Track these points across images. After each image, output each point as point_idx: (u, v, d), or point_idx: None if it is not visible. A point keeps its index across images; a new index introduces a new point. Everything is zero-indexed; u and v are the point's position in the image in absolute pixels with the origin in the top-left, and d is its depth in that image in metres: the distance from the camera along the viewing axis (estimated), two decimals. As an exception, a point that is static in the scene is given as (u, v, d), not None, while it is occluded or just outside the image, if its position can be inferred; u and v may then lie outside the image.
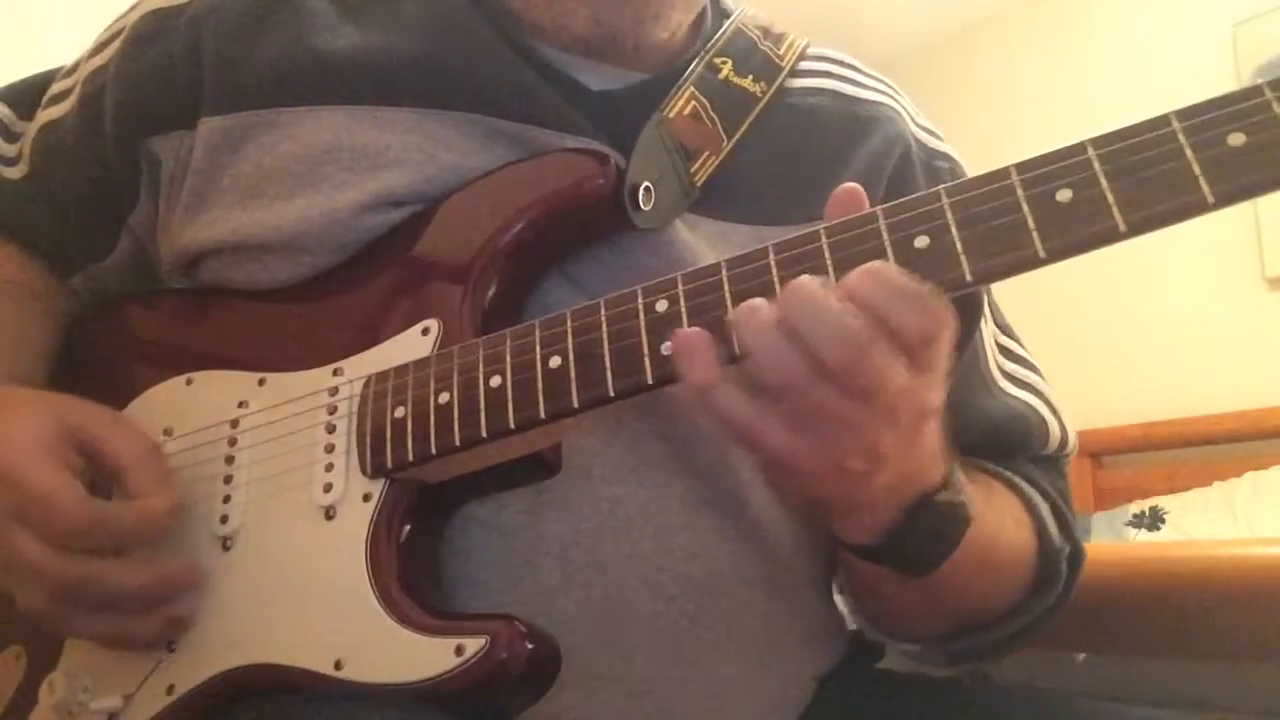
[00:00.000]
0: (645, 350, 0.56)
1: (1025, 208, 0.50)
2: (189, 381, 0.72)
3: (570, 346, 0.58)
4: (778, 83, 0.78)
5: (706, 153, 0.72)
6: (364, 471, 0.63)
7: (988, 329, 0.81)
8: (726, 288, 0.55)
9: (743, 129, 0.74)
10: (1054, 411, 0.82)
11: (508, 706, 0.59)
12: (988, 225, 0.50)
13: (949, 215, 0.51)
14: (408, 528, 0.62)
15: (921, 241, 0.51)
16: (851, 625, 0.82)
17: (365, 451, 0.63)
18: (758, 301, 0.52)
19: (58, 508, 0.61)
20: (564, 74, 0.73)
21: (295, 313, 0.71)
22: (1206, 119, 0.47)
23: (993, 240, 0.50)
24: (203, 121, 0.73)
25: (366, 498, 0.62)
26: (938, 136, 0.85)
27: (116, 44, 0.79)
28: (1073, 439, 0.83)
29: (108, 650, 0.66)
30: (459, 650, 0.56)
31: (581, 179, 0.66)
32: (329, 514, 0.63)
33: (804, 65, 0.81)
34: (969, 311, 0.78)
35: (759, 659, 0.69)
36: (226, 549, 0.66)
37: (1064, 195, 0.49)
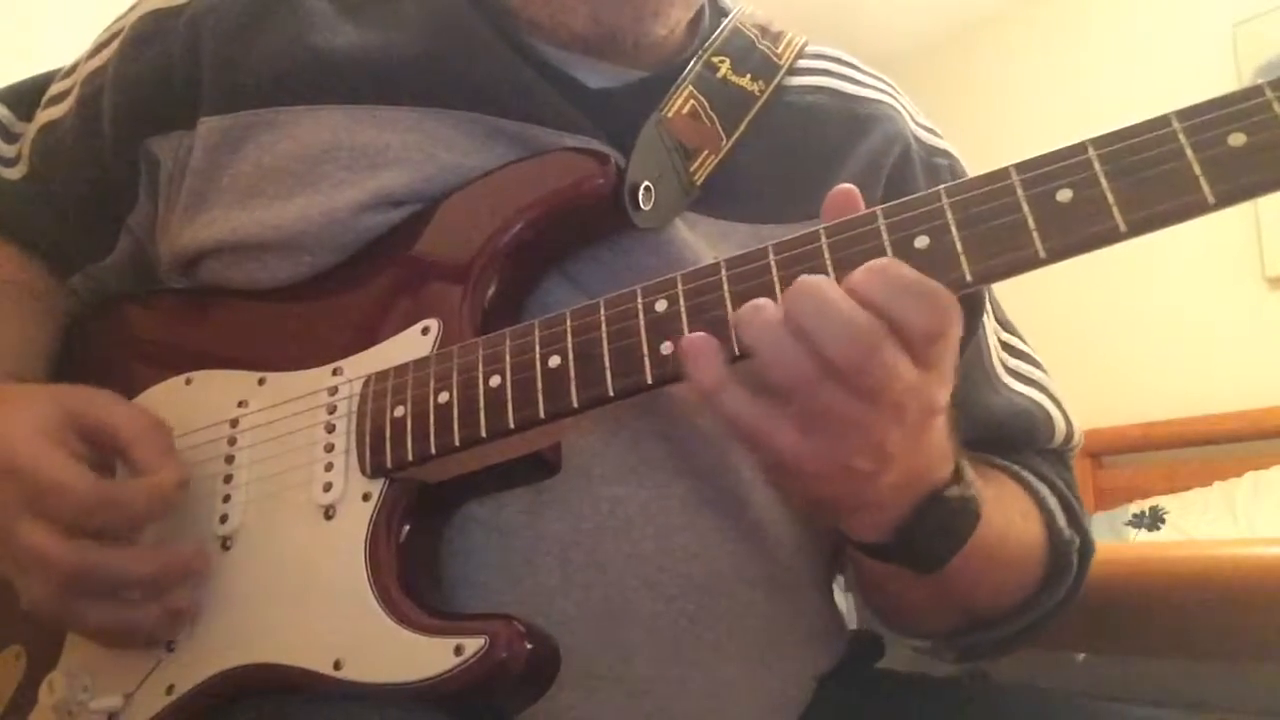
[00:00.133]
0: (645, 350, 0.56)
1: (1025, 208, 0.49)
2: (188, 381, 0.72)
3: (570, 346, 0.58)
4: (776, 81, 0.78)
5: (705, 151, 0.72)
6: (363, 471, 0.63)
7: (989, 325, 0.81)
8: (726, 287, 0.55)
9: (741, 127, 0.74)
10: (1058, 405, 0.82)
11: (507, 706, 0.59)
12: (988, 225, 0.50)
13: (949, 215, 0.51)
14: (407, 527, 0.62)
15: (921, 241, 0.51)
16: (852, 625, 0.82)
17: (365, 451, 0.63)
18: (762, 301, 0.51)
19: (68, 490, 0.61)
20: (562, 72, 0.73)
21: (295, 312, 0.71)
22: (1207, 119, 0.47)
23: (993, 240, 0.50)
24: (202, 121, 0.73)
25: (366, 497, 0.62)
26: (937, 134, 0.85)
27: (115, 45, 0.79)
28: (1078, 432, 0.83)
29: (108, 650, 0.65)
30: (458, 650, 0.56)
31: (581, 178, 0.66)
32: (328, 514, 0.63)
33: (802, 64, 0.81)
34: (971, 309, 0.78)
35: (759, 659, 0.69)
36: (226, 549, 0.66)
37: (1064, 195, 0.49)
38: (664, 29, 0.74)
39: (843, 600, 0.82)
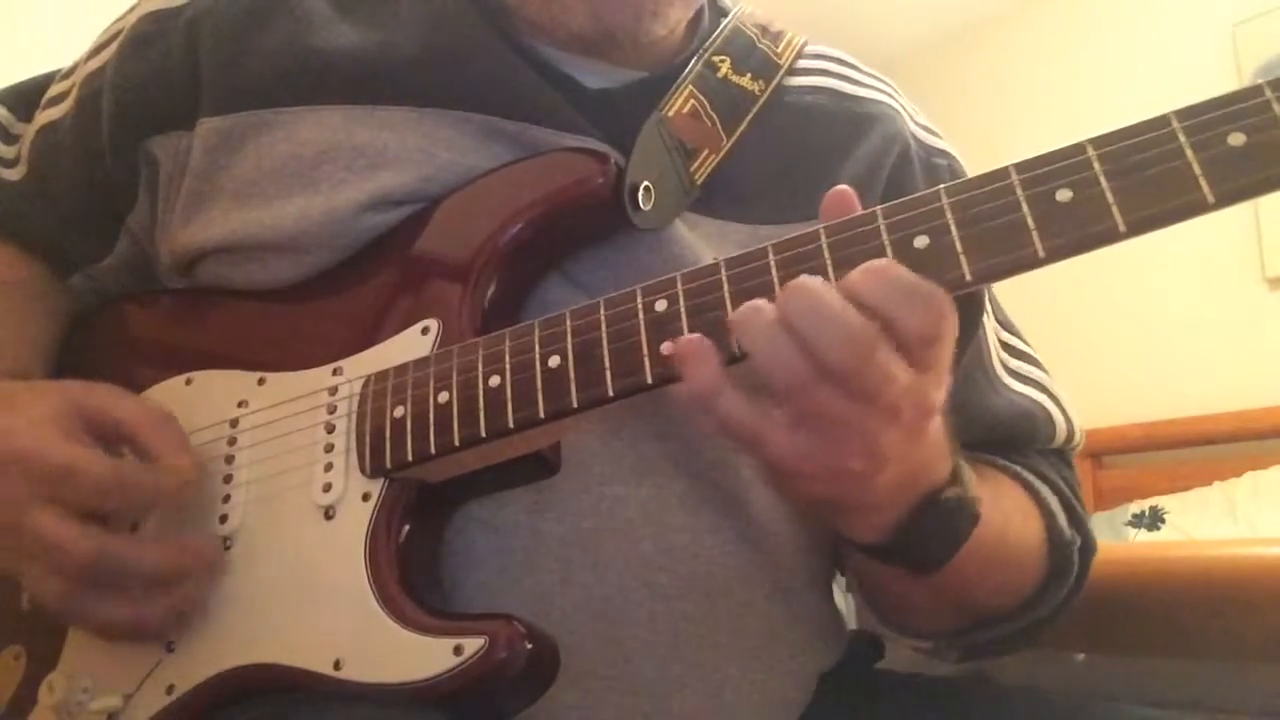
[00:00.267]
0: (644, 350, 0.56)
1: (1025, 207, 0.49)
2: (188, 381, 0.72)
3: (569, 346, 0.58)
4: (776, 81, 0.78)
5: (706, 151, 0.72)
6: (363, 471, 0.63)
7: (989, 325, 0.81)
8: (726, 287, 0.55)
9: (742, 127, 0.74)
10: (1059, 405, 0.82)
11: (506, 706, 0.59)
12: (987, 225, 0.50)
13: (949, 215, 0.51)
14: (407, 527, 0.62)
15: (921, 241, 0.51)
16: (852, 625, 0.82)
17: (364, 451, 0.63)
18: (760, 302, 0.51)
19: (82, 471, 0.61)
20: (562, 72, 0.73)
21: (295, 312, 0.71)
22: (1206, 119, 0.47)
23: (992, 240, 0.50)
24: (201, 122, 0.73)
25: (366, 497, 0.62)
26: (936, 135, 0.85)
27: (114, 46, 0.79)
28: (1079, 431, 0.83)
29: (107, 650, 0.65)
30: (458, 650, 0.56)
31: (581, 178, 0.66)
32: (328, 514, 0.63)
33: (802, 64, 0.82)
34: (970, 309, 0.78)
35: (758, 659, 0.69)
36: (226, 549, 0.65)
37: (1064, 195, 0.49)
38: (663, 28, 0.74)
39: (843, 600, 0.82)
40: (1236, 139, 0.46)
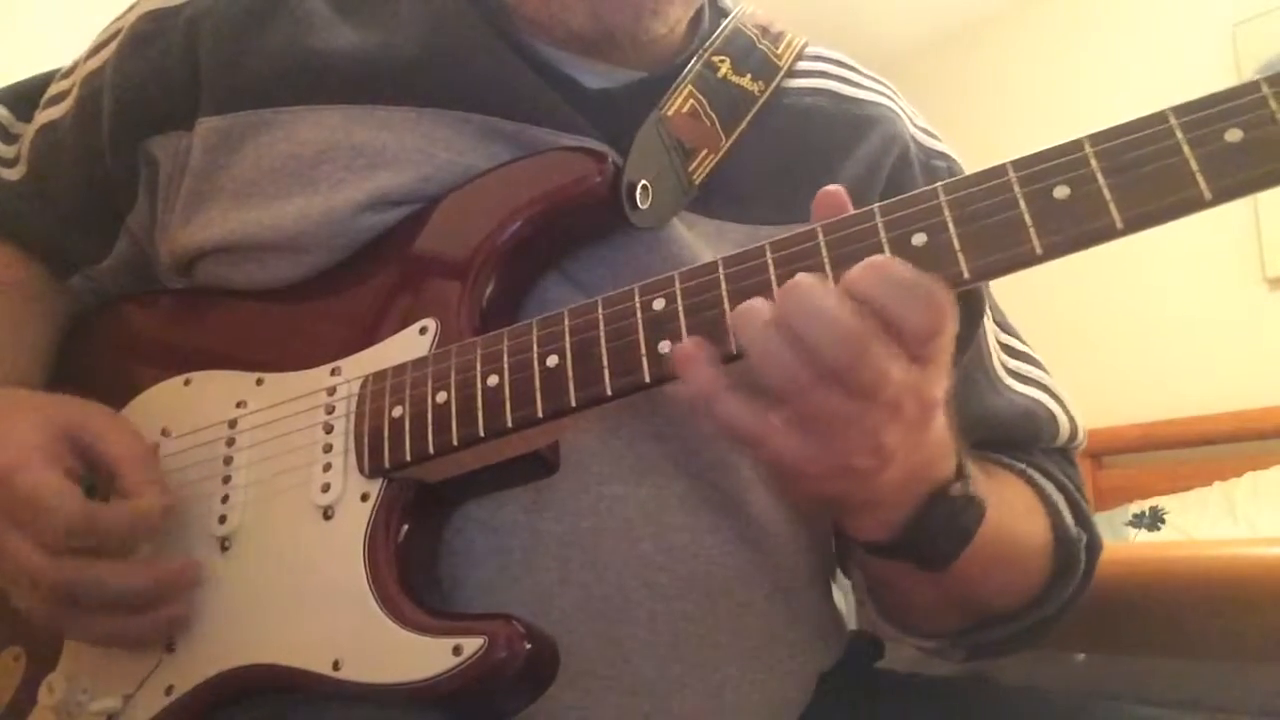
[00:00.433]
0: (643, 349, 0.56)
1: (1023, 205, 0.49)
2: (187, 382, 0.72)
3: (567, 345, 0.58)
4: (775, 82, 0.78)
5: (705, 151, 0.72)
6: (362, 471, 0.63)
7: (989, 327, 0.81)
8: (724, 286, 0.55)
9: (741, 127, 0.74)
10: (1060, 404, 0.82)
11: (505, 706, 0.59)
12: (985, 222, 0.50)
13: (946, 213, 0.51)
14: (406, 527, 0.62)
15: (919, 239, 0.51)
16: (852, 625, 0.82)
17: (363, 451, 0.63)
18: (757, 302, 0.51)
19: (52, 510, 0.61)
20: (561, 72, 0.73)
21: (293, 312, 0.71)
22: (1203, 115, 0.47)
23: (990, 237, 0.50)
24: (200, 122, 0.73)
25: (364, 497, 0.62)
26: (936, 137, 0.85)
27: (114, 45, 0.79)
28: (1081, 430, 0.83)
29: (107, 651, 0.66)
30: (457, 650, 0.56)
31: (579, 177, 0.66)
32: (327, 514, 0.63)
33: (802, 65, 0.81)
34: (971, 310, 0.78)
35: (758, 659, 0.69)
36: (225, 549, 0.66)
37: (1061, 192, 0.49)
38: (663, 27, 0.74)
39: (842, 600, 0.82)
40: (1234, 135, 0.46)
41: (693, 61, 0.75)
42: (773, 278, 0.54)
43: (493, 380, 0.59)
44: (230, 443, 0.68)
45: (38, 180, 0.81)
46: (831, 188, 0.56)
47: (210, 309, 0.75)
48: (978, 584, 0.68)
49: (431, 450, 0.60)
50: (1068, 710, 0.73)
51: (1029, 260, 0.49)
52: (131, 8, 0.81)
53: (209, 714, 0.62)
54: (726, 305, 0.54)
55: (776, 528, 0.71)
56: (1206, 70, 2.87)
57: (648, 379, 0.55)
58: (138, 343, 0.79)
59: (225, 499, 0.67)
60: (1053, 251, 0.49)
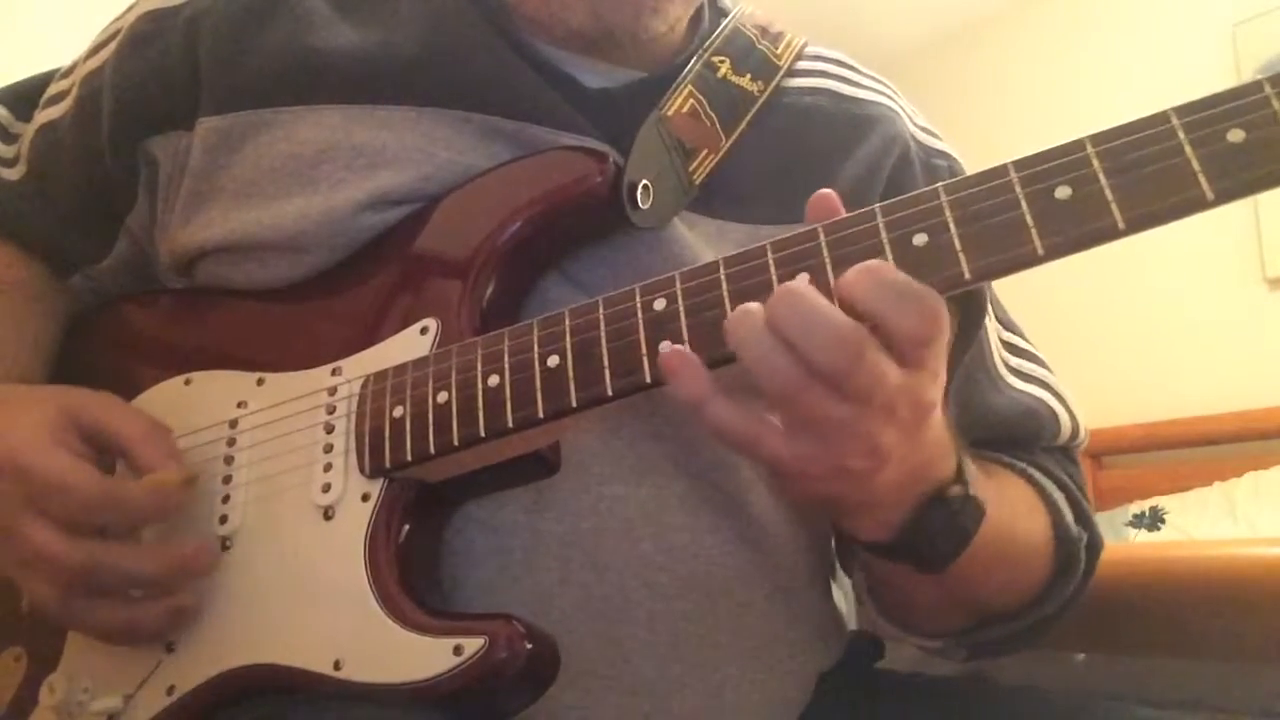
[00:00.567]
0: (643, 349, 0.56)
1: (1024, 205, 0.49)
2: (188, 382, 0.72)
3: (568, 345, 0.58)
4: (775, 82, 0.78)
5: (705, 151, 0.72)
6: (363, 471, 0.63)
7: (991, 325, 0.81)
8: (724, 286, 0.55)
9: (741, 127, 0.74)
10: (1062, 402, 0.82)
11: (506, 706, 0.59)
12: (986, 223, 0.50)
13: (947, 213, 0.51)
14: (406, 527, 0.62)
15: (920, 239, 0.51)
16: (852, 625, 0.82)
17: (364, 451, 0.63)
18: (751, 306, 0.51)
19: (72, 487, 0.61)
20: (561, 72, 0.73)
21: (294, 312, 0.71)
22: (1205, 115, 0.47)
23: (991, 238, 0.50)
24: (200, 122, 0.73)
25: (365, 498, 0.62)
26: (936, 136, 0.85)
27: (113, 45, 0.79)
28: (1083, 428, 0.83)
29: (108, 651, 0.65)
30: (457, 650, 0.56)
31: (580, 176, 0.66)
32: (328, 514, 0.63)
33: (801, 65, 0.81)
34: (972, 310, 0.78)
35: (758, 659, 0.69)
36: (226, 549, 0.65)
37: (1063, 192, 0.49)
38: (663, 25, 0.74)
39: (842, 600, 0.82)
40: (1236, 135, 0.46)
41: (693, 61, 0.75)
42: (774, 278, 0.54)
43: (494, 380, 0.59)
44: (231, 443, 0.68)
45: (37, 180, 0.81)
46: (824, 191, 0.56)
47: (211, 309, 0.75)
48: (979, 583, 0.68)
49: (432, 450, 0.60)
50: (1068, 710, 0.73)
51: (1030, 261, 0.49)
52: (131, 8, 0.81)
53: (210, 714, 0.62)
54: (727, 305, 0.54)
55: (776, 528, 0.71)
56: (1206, 70, 2.87)
57: (649, 379, 0.55)
58: (138, 342, 0.79)
59: (226, 499, 0.66)
60: (1054, 252, 0.49)
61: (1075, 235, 0.48)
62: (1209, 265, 2.81)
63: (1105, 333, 2.97)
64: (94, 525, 0.62)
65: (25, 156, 0.81)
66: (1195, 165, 0.46)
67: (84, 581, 0.61)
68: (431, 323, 0.65)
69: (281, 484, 0.65)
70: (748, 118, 0.75)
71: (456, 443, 0.60)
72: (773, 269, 0.54)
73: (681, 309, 0.55)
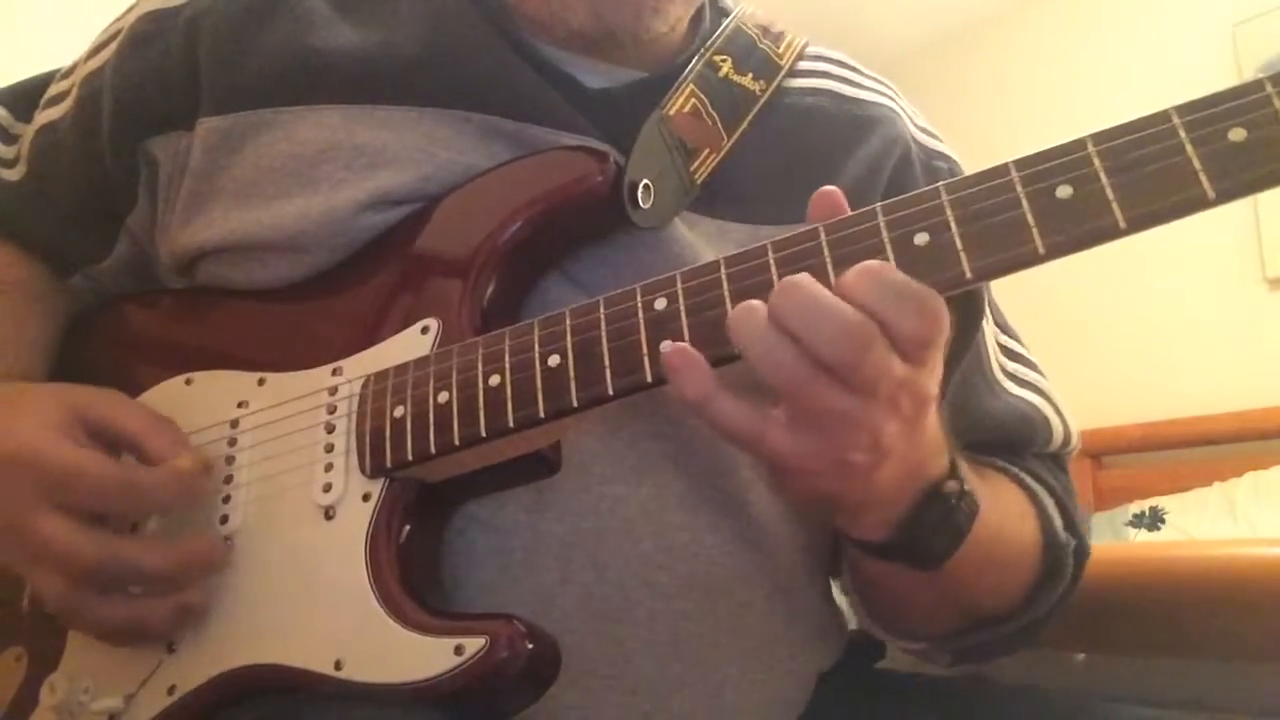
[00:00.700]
0: (644, 349, 0.56)
1: (1025, 204, 0.49)
2: (188, 381, 0.72)
3: (569, 345, 0.58)
4: (777, 81, 0.78)
5: (706, 150, 0.72)
6: (363, 471, 0.63)
7: (989, 329, 0.81)
8: (725, 286, 0.55)
9: (743, 127, 0.74)
10: (1056, 409, 0.82)
11: (507, 706, 0.59)
12: (987, 222, 0.50)
13: (948, 212, 0.51)
14: (407, 527, 0.62)
15: (921, 239, 0.51)
16: (852, 625, 0.82)
17: (365, 451, 0.63)
18: (754, 303, 0.51)
19: (87, 472, 0.61)
20: (562, 72, 0.73)
21: (294, 312, 0.71)
22: (1207, 114, 0.47)
23: (992, 237, 0.50)
24: (200, 122, 0.73)
25: (366, 497, 0.62)
26: (937, 137, 0.85)
27: (114, 45, 0.79)
28: (1075, 435, 0.83)
29: (109, 651, 0.65)
30: (458, 650, 0.56)
31: (580, 176, 0.66)
32: (329, 514, 0.63)
33: (802, 65, 0.81)
34: (971, 311, 0.78)
35: (758, 658, 0.69)
36: (226, 549, 0.65)
37: (1064, 191, 0.49)
38: (664, 25, 0.74)
39: (842, 600, 0.82)
40: (1237, 134, 0.46)
41: (694, 61, 0.75)
42: (774, 277, 0.54)
43: (494, 380, 0.59)
44: (232, 443, 0.68)
45: (37, 180, 0.81)
46: (828, 189, 0.56)
47: (211, 309, 0.75)
48: (970, 585, 0.68)
49: (433, 450, 0.60)
50: (1067, 710, 0.73)
51: (1031, 260, 0.49)
52: (131, 8, 0.81)
53: (211, 714, 0.62)
54: (728, 305, 0.54)
55: (776, 527, 0.71)
56: (1206, 70, 2.87)
57: (649, 379, 0.55)
58: (139, 342, 0.79)
59: (227, 499, 0.66)
60: (1055, 251, 0.49)
61: (1076, 234, 0.48)
62: (1209, 265, 2.81)
63: (1105, 333, 2.97)
64: (110, 512, 0.62)
65: (25, 157, 0.81)
66: (1196, 164, 0.46)
67: (94, 576, 0.61)
68: (432, 322, 0.65)
69: (282, 484, 0.65)
70: (749, 117, 0.75)
71: (457, 442, 0.60)
72: (773, 268, 0.54)
73: (682, 308, 0.55)
